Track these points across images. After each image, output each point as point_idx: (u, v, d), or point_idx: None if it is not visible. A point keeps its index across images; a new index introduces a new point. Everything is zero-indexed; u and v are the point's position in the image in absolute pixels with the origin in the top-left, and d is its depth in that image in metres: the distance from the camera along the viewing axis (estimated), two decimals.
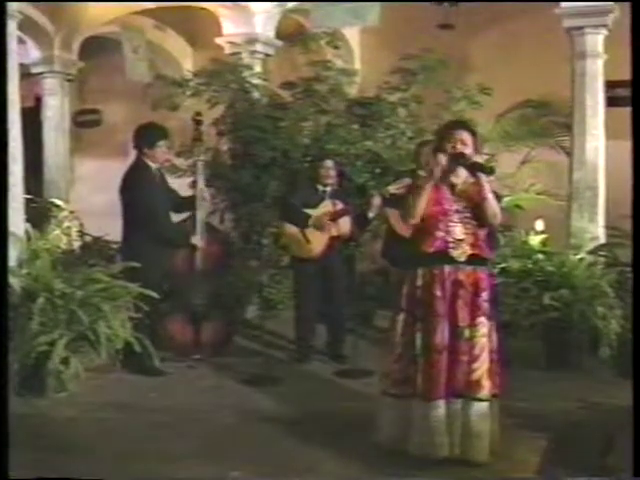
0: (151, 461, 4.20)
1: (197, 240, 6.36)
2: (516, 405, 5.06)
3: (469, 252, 4.13)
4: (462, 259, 4.12)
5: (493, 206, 4.19)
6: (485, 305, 4.14)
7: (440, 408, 4.04)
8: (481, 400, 4.07)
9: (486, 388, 4.09)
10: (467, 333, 4.07)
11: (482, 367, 4.07)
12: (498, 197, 4.34)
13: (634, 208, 3.61)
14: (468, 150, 4.20)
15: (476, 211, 4.19)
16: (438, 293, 4.10)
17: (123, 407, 5.25)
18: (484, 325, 4.11)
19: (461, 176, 4.23)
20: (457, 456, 4.06)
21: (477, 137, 4.35)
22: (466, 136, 4.23)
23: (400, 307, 4.23)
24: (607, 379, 5.82)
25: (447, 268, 4.11)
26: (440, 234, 4.14)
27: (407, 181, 5.52)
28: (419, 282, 4.16)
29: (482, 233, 4.23)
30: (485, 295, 4.15)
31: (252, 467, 4.09)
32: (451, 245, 4.12)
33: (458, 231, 4.14)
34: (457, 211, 4.18)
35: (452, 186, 4.22)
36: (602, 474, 3.89)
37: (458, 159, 4.17)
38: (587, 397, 5.32)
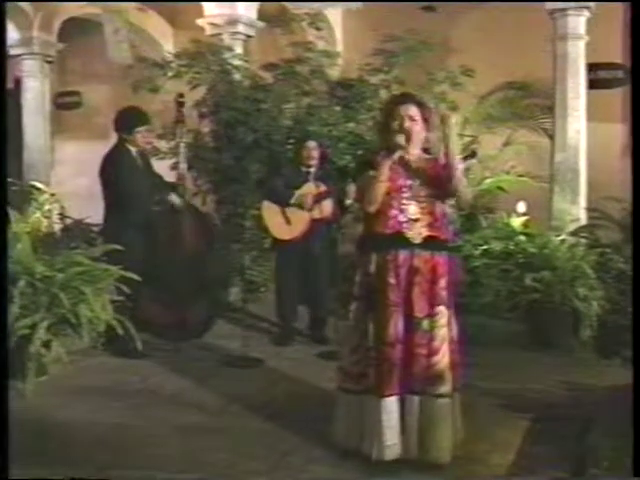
0: (131, 445, 4.19)
1: (175, 199, 6.27)
2: (497, 386, 5.10)
3: (425, 234, 3.81)
4: (417, 241, 3.79)
5: (464, 192, 3.97)
6: (443, 293, 3.82)
7: (393, 405, 3.76)
8: (443, 396, 3.78)
9: (448, 383, 3.80)
10: (426, 324, 3.77)
11: (443, 360, 3.78)
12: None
13: (634, 197, 3.58)
14: (417, 127, 3.89)
15: (433, 189, 3.86)
16: (392, 281, 3.78)
17: (104, 390, 5.23)
18: (443, 315, 3.80)
19: (414, 153, 3.92)
20: (414, 457, 3.77)
21: (427, 108, 3.99)
22: (414, 111, 3.90)
23: (353, 295, 3.92)
24: (588, 360, 5.88)
25: (402, 254, 3.79)
26: (394, 212, 3.82)
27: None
28: (372, 268, 3.84)
29: (439, 213, 3.90)
30: (443, 282, 3.83)
31: (233, 450, 4.09)
32: (405, 225, 3.80)
33: (412, 210, 3.82)
34: (410, 187, 3.84)
35: (405, 162, 3.89)
36: (581, 454, 3.93)
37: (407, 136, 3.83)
38: (568, 378, 5.36)
